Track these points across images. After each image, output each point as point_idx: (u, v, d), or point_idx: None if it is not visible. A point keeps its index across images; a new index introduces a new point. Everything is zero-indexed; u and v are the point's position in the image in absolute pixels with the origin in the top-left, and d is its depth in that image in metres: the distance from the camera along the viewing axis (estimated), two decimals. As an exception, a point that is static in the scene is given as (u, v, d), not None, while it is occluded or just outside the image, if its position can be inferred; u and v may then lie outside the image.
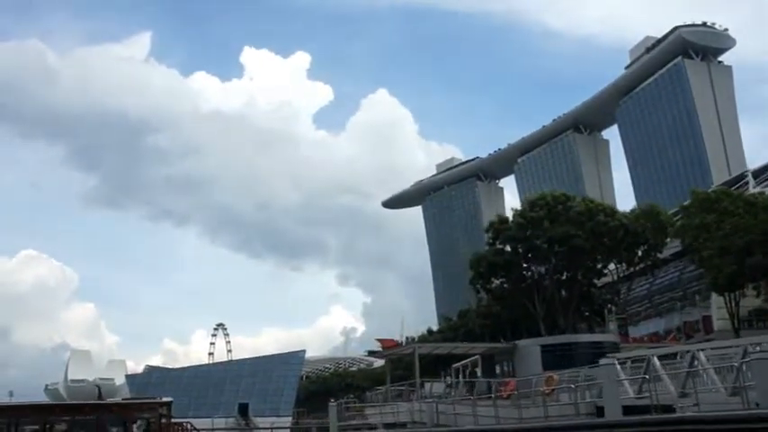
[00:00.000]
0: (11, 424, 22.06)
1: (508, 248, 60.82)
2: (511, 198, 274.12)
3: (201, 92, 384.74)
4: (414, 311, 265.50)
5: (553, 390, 23.44)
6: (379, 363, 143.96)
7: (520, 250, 58.23)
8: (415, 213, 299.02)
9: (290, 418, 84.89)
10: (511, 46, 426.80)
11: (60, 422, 24.06)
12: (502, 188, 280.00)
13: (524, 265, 60.54)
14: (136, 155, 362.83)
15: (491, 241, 61.36)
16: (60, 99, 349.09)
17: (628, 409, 19.84)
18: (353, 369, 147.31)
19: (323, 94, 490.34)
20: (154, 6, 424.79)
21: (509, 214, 63.68)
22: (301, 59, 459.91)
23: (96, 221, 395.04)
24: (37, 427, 22.88)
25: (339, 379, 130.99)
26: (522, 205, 63.98)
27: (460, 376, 47.85)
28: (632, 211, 61.48)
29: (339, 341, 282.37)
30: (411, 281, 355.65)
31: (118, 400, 25.86)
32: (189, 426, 25.99)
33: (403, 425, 32.44)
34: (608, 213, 58.22)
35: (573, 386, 21.88)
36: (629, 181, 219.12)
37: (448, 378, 49.84)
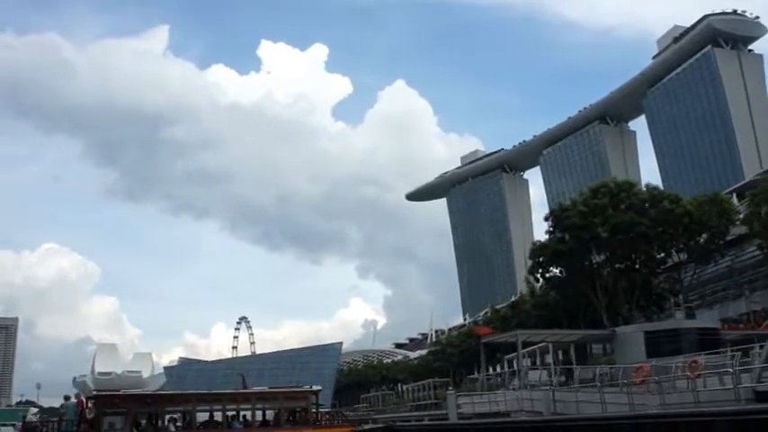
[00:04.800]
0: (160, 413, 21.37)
1: (566, 237, 59.76)
2: (536, 190, 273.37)
3: (219, 85, 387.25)
4: (436, 304, 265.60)
5: (699, 375, 22.48)
6: (414, 354, 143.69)
7: (582, 238, 56.93)
8: (437, 206, 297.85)
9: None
10: (531, 37, 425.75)
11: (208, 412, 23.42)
12: (527, 180, 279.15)
13: (585, 254, 59.36)
14: (155, 148, 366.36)
15: (551, 230, 60.30)
16: (79, 93, 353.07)
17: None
18: (387, 361, 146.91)
19: (341, 86, 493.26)
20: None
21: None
22: (319, 52, 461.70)
23: (117, 215, 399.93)
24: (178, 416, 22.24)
25: (374, 371, 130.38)
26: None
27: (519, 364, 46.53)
28: (695, 198, 60.24)
29: (360, 334, 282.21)
30: (432, 273, 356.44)
31: (264, 388, 25.15)
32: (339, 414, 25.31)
33: (506, 413, 31.35)
34: (673, 200, 57.00)
35: (730, 370, 20.90)
36: (657, 172, 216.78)
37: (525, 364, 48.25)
